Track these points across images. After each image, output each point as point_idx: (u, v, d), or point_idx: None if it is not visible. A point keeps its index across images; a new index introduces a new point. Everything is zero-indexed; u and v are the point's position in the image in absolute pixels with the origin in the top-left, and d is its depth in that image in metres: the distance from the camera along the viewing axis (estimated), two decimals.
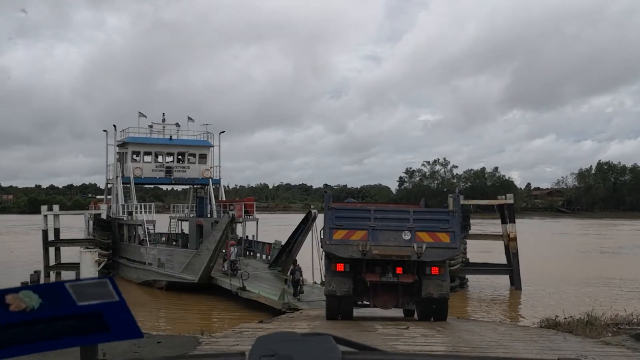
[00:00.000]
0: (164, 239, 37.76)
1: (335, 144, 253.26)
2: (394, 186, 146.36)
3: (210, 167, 35.96)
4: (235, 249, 25.55)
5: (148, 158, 35.19)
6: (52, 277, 30.51)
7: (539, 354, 7.53)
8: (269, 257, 28.92)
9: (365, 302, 13.24)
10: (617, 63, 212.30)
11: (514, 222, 27.15)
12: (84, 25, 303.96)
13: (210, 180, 35.44)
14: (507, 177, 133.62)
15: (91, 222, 34.98)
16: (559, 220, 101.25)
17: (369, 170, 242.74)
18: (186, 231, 35.58)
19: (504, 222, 27.45)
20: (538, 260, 32.45)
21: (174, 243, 36.22)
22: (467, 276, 26.71)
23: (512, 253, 26.49)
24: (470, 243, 26.81)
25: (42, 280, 27.46)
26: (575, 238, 57.87)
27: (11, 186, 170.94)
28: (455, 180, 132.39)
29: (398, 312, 14.05)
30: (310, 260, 22.55)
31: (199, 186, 36.62)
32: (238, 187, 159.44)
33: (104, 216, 32.89)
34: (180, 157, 35.65)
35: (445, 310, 12.74)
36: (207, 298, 23.95)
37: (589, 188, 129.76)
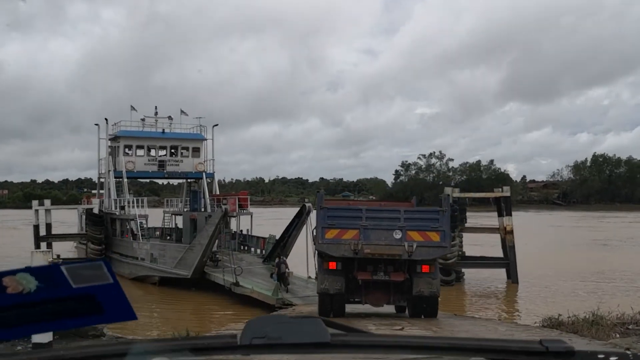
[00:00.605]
0: (158, 233, 37.42)
1: (332, 137, 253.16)
2: (390, 179, 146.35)
3: (204, 161, 35.56)
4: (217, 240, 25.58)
5: (140, 152, 34.76)
6: None
7: None
8: (264, 251, 28.60)
9: (357, 300, 13.43)
10: (614, 55, 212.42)
11: (511, 215, 26.85)
12: (79, 18, 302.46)
13: (203, 174, 35.06)
14: (502, 170, 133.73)
15: (84, 217, 34.60)
16: (554, 212, 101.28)
17: (366, 164, 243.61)
18: (180, 225, 35.27)
19: (500, 215, 27.15)
20: (533, 253, 32.26)
21: (168, 237, 35.91)
22: (464, 270, 26.44)
23: (508, 246, 26.21)
24: (465, 236, 26.54)
25: None
26: (570, 230, 57.79)
27: (6, 181, 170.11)
28: (450, 174, 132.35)
29: (390, 308, 14.13)
30: (305, 254, 22.19)
31: (192, 180, 36.26)
32: (234, 181, 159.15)
33: (96, 211, 32.53)
34: (173, 150, 35.24)
35: (435, 307, 13.03)
36: (201, 294, 23.64)
37: (584, 180, 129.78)
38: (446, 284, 24.30)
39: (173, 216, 37.81)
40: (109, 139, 34.51)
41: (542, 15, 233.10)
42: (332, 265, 12.79)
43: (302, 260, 22.53)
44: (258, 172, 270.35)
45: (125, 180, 33.32)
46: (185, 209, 35.55)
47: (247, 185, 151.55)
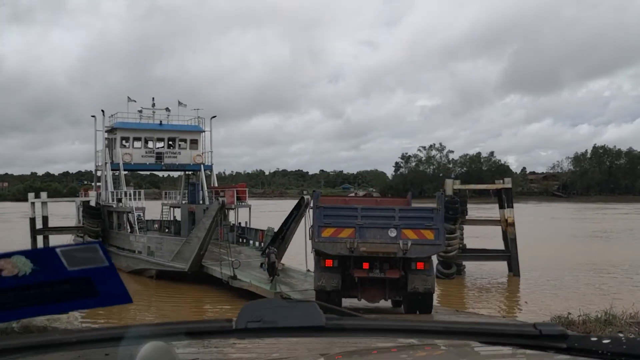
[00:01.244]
0: (156, 226, 37.14)
1: (332, 129, 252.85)
2: (390, 172, 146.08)
3: (202, 153, 35.22)
4: None
5: (137, 144, 34.38)
6: None
7: None
8: (262, 244, 28.30)
9: (353, 296, 13.71)
10: (615, 46, 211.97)
11: (512, 207, 26.53)
12: (79, 10, 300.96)
13: (202, 166, 34.74)
14: (502, 162, 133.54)
15: (81, 210, 34.32)
16: (554, 204, 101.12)
17: (366, 156, 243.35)
18: (179, 218, 34.97)
19: (501, 207, 26.83)
20: (534, 245, 31.98)
21: (167, 230, 35.63)
22: (464, 262, 26.18)
23: (510, 239, 25.92)
24: (465, 228, 26.25)
25: None
26: (570, 222, 57.58)
27: (7, 174, 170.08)
28: (451, 166, 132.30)
29: (386, 303, 14.33)
30: (303, 247, 21.86)
31: (190, 172, 35.95)
32: (234, 174, 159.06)
33: (92, 203, 32.24)
34: (170, 142, 34.87)
35: (430, 303, 13.53)
36: (198, 287, 23.37)
37: (585, 172, 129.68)
38: (447, 277, 24.12)
39: (171, 209, 37.55)
40: (106, 131, 34.12)
41: (543, 6, 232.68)
42: (329, 262, 13.08)
43: (300, 253, 22.21)
44: (258, 164, 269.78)
45: (123, 172, 33.01)
46: (183, 202, 35.23)
47: (247, 178, 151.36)
